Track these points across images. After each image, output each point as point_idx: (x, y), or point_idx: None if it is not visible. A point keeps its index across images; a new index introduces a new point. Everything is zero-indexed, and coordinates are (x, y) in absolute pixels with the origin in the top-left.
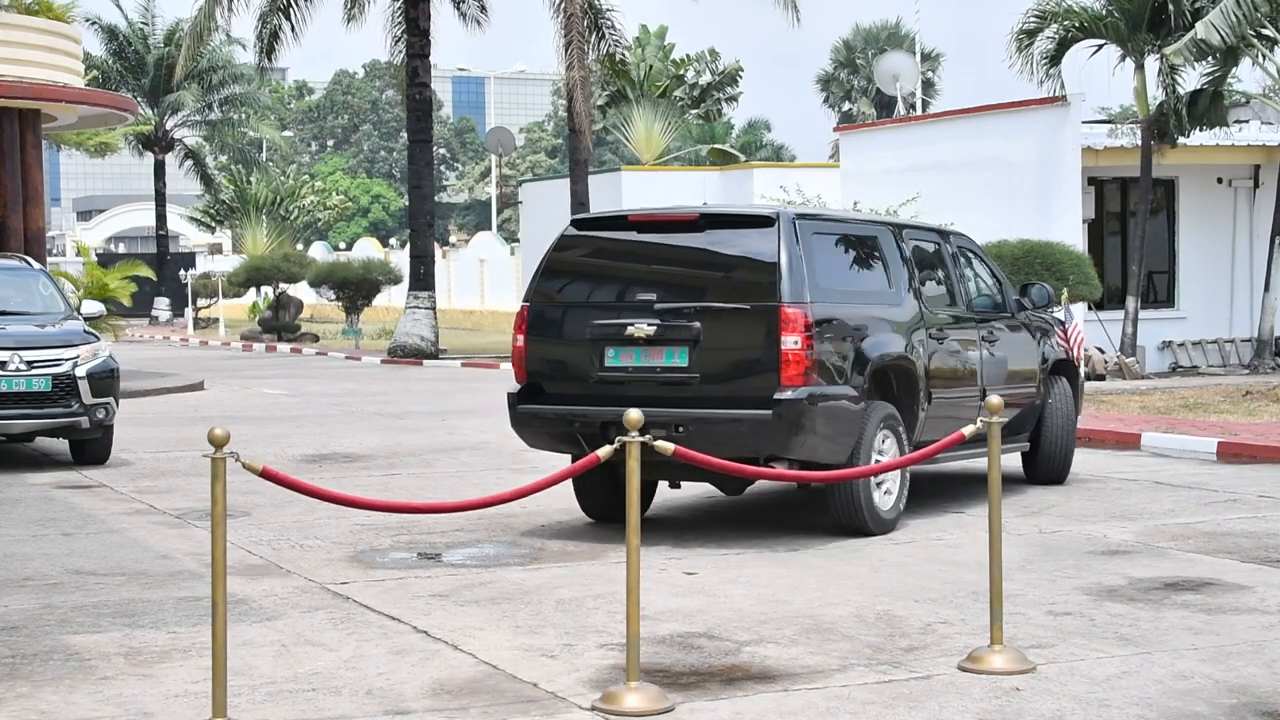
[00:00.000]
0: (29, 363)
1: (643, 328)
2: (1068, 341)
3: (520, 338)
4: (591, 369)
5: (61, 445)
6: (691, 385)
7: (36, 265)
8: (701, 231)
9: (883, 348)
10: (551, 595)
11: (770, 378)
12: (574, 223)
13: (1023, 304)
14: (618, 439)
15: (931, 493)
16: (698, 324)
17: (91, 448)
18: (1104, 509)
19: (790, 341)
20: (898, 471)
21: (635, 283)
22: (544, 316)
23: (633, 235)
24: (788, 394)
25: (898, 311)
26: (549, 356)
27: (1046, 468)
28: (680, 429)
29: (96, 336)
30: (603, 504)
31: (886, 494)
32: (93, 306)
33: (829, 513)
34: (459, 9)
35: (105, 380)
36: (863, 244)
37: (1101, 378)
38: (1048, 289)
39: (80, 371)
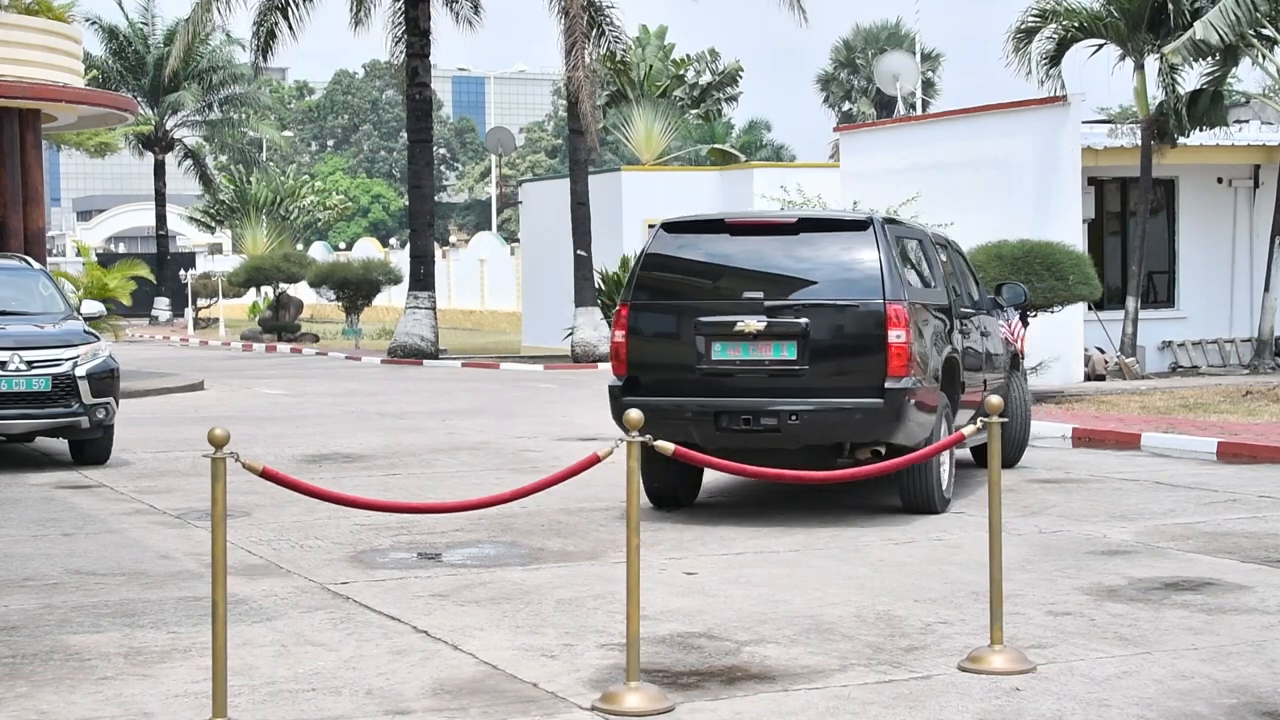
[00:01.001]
0: (29, 363)
1: (752, 324)
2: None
3: (620, 334)
4: (697, 362)
5: (62, 445)
6: (801, 376)
7: (36, 265)
8: (796, 234)
9: (945, 340)
10: (551, 595)
11: (877, 369)
12: (665, 226)
13: (997, 301)
14: (617, 439)
15: None
16: (805, 319)
17: (92, 448)
18: (1104, 509)
19: (895, 336)
20: (947, 454)
21: (738, 281)
22: (645, 314)
23: (726, 237)
24: (895, 384)
25: (944, 308)
26: (651, 351)
27: (1007, 450)
28: (795, 418)
29: (96, 336)
30: (666, 488)
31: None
32: (93, 306)
33: (900, 495)
34: (451, 9)
35: (105, 380)
36: (916, 246)
37: (1101, 378)
38: (1021, 288)
39: (80, 371)
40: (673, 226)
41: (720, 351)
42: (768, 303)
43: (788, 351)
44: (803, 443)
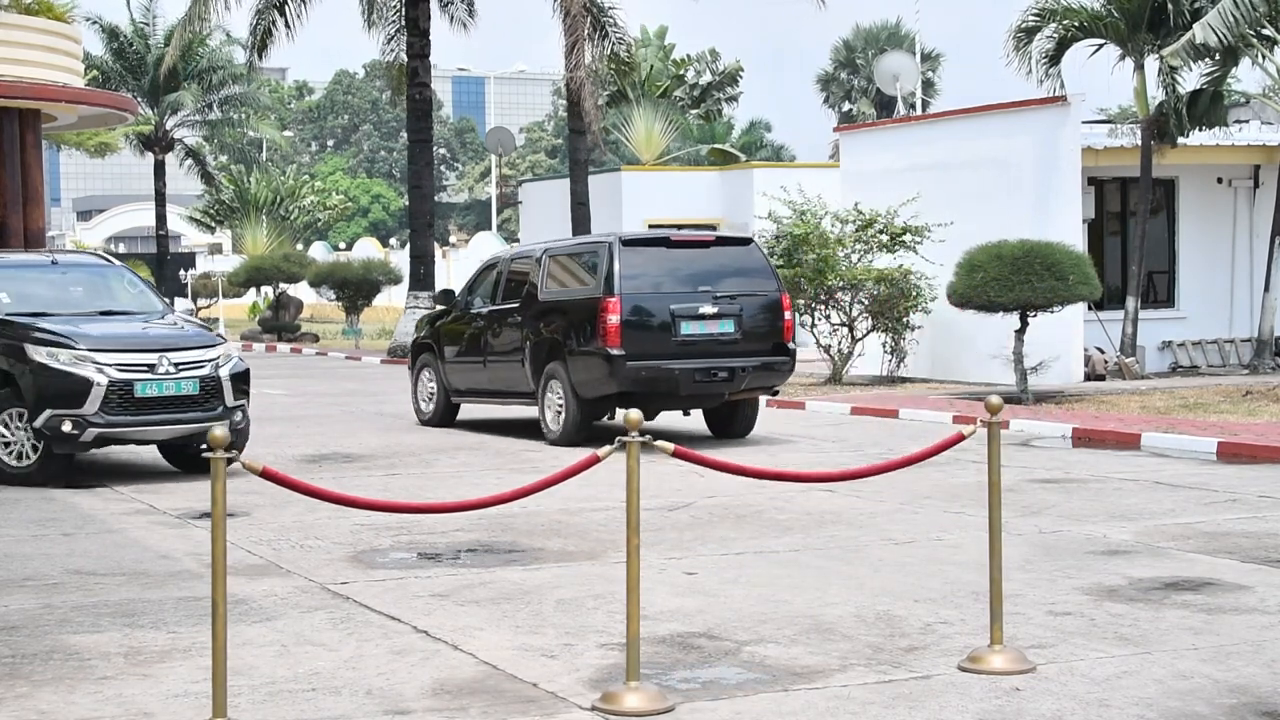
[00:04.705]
0: (176, 364)
1: (708, 308)
2: None
3: (615, 318)
4: (670, 336)
5: None
6: (738, 344)
7: (117, 262)
8: (710, 248)
9: None
10: (551, 595)
11: (779, 337)
12: (623, 242)
13: None
14: (618, 439)
15: (931, 493)
16: (739, 304)
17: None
18: (1104, 509)
19: (788, 315)
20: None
21: (690, 279)
22: (631, 304)
23: (666, 250)
24: (791, 345)
25: None
26: (636, 330)
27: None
28: (744, 371)
29: (224, 337)
30: (437, 419)
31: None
32: (184, 304)
33: (712, 428)
34: (445, 9)
35: (243, 381)
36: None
37: (1101, 378)
38: None
39: (223, 373)
40: (629, 242)
41: (686, 328)
42: (715, 294)
43: (728, 327)
44: (745, 387)
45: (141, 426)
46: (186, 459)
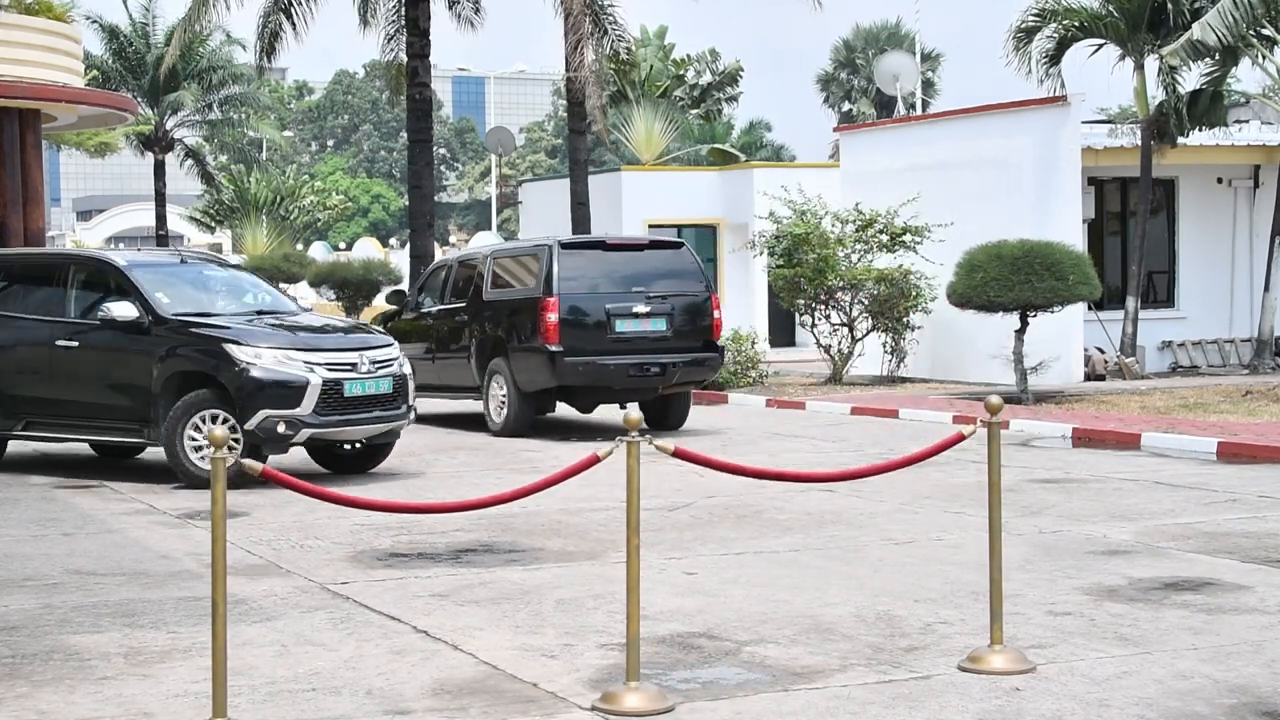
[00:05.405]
0: (374, 363)
1: (642, 307)
2: None
3: (554, 316)
4: (605, 334)
5: (58, 446)
6: (669, 341)
7: (232, 260)
8: (644, 251)
9: None
10: (551, 595)
11: (708, 335)
12: (561, 245)
13: None
14: (618, 439)
15: (931, 493)
16: (671, 304)
17: (383, 452)
18: (1104, 509)
19: (717, 314)
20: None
21: (624, 280)
22: (568, 303)
23: (602, 252)
24: (719, 344)
25: None
26: (574, 328)
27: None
28: (676, 366)
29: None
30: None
31: None
32: (306, 303)
33: (649, 421)
34: (453, 9)
35: (414, 380)
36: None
37: (1101, 378)
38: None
39: (406, 370)
40: (567, 245)
41: (621, 326)
42: (649, 294)
43: (661, 325)
44: (677, 381)
45: (346, 426)
46: (333, 458)
